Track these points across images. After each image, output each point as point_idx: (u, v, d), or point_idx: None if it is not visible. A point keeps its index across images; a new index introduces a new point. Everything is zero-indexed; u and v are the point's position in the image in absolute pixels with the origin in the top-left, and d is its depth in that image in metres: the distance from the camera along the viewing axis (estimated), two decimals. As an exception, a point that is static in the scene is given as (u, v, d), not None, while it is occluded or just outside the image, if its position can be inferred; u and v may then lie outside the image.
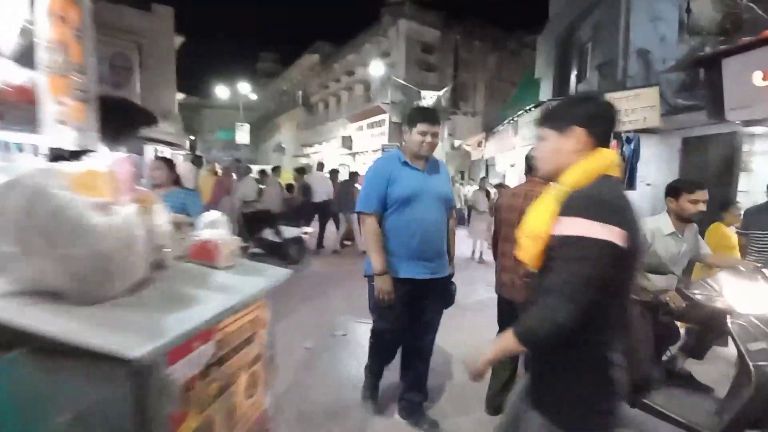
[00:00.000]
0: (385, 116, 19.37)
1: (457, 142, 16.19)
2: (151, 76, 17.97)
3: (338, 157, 23.81)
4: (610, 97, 5.85)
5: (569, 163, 1.08)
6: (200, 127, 43.73)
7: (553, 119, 1.15)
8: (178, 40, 19.88)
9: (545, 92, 9.98)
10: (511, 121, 8.05)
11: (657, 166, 6.85)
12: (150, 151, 17.06)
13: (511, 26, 22.29)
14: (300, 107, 30.80)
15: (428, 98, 14.40)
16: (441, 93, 13.68)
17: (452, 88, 15.68)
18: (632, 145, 5.77)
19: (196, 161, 7.06)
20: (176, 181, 2.78)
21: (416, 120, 2.10)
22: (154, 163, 2.79)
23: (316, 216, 7.19)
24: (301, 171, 7.26)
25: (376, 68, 17.58)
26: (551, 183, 1.99)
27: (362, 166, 22.42)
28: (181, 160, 16.36)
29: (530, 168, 2.40)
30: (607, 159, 1.08)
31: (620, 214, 0.99)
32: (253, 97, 27.16)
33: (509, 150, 8.81)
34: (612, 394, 1.06)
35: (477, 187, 8.00)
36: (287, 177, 8.68)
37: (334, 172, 8.50)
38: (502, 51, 22.86)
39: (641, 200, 6.60)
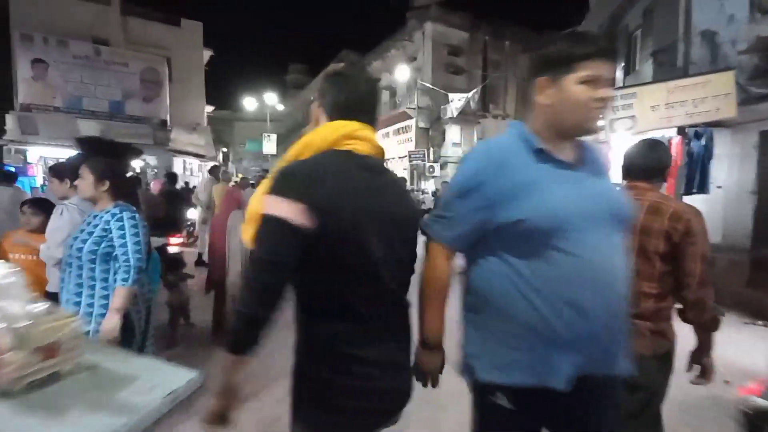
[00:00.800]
0: (412, 122, 18.82)
1: (487, 147, 15.38)
2: (180, 89, 18.30)
3: (364, 165, 23.46)
4: (675, 85, 5.02)
5: None
6: (232, 140, 45.24)
7: None
8: (207, 53, 20.25)
9: (586, 88, 9.09)
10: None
11: (728, 165, 5.89)
12: (179, 163, 17.32)
13: (541, 25, 21.26)
14: (326, 116, 30.82)
15: (456, 101, 13.70)
16: (470, 95, 12.96)
17: (481, 91, 14.90)
18: (703, 141, 4.89)
19: (214, 172, 6.69)
20: (117, 194, 1.85)
21: (576, 56, 0.98)
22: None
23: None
24: (172, 178, 6.47)
25: (402, 73, 17.09)
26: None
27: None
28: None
29: (629, 171, 1.65)
30: (335, 131, 0.95)
31: (310, 187, 0.86)
32: (280, 107, 27.36)
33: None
34: (349, 391, 0.93)
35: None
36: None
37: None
38: (533, 52, 21.88)
39: (710, 206, 5.60)
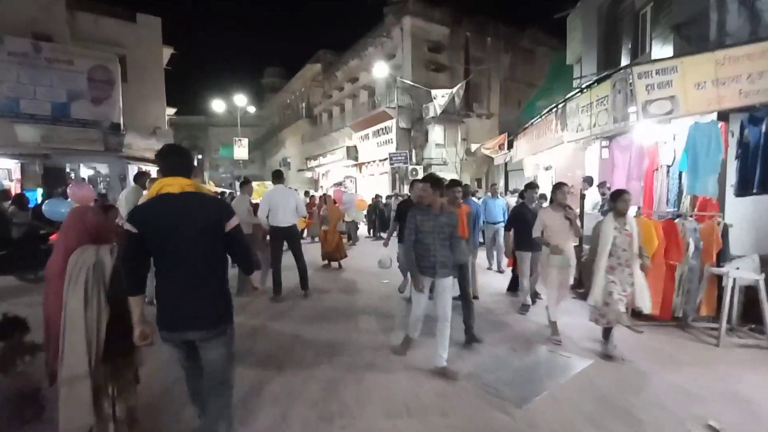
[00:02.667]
0: (392, 122, 17.63)
1: (474, 146, 14.25)
2: (136, 89, 16.61)
3: (343, 169, 22.11)
4: (725, 55, 3.72)
5: None
6: (207, 146, 43.37)
7: None
8: (168, 51, 18.62)
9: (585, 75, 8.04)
10: (555, 111, 6.13)
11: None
12: (133, 171, 15.61)
13: (525, 19, 20.49)
14: (303, 119, 29.42)
15: (439, 98, 12.57)
16: (454, 90, 11.82)
17: (465, 89, 13.75)
18: (763, 126, 3.77)
19: (139, 179, 5.27)
20: None
21: None
22: None
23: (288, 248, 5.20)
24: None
25: (381, 70, 15.89)
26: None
27: (369, 177, 20.73)
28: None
29: None
30: (156, 186, 1.93)
31: (138, 216, 1.84)
32: (252, 109, 25.82)
33: (553, 147, 6.80)
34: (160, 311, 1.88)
35: (534, 201, 4.83)
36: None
37: (455, 184, 3.98)
38: (515, 50, 21.12)
39: (756, 208, 4.42)
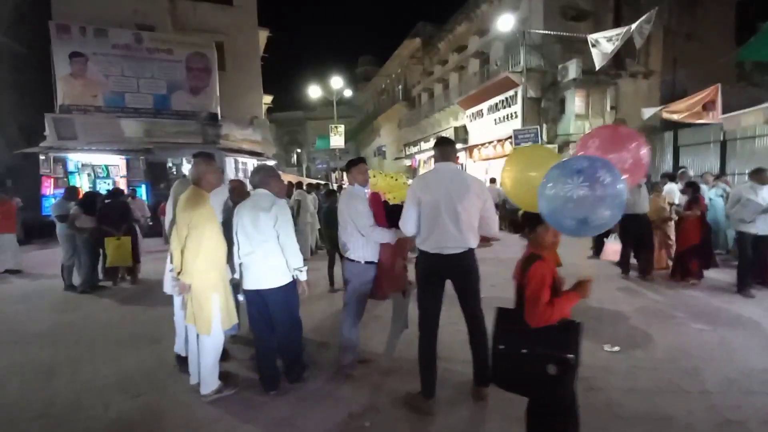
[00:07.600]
0: (517, 91, 14.04)
1: (647, 112, 10.05)
2: (233, 78, 15.52)
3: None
4: None
5: None
6: (305, 140, 44.08)
7: None
8: (264, 35, 17.44)
9: None
10: None
11: None
12: (230, 162, 14.70)
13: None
14: (400, 103, 27.00)
15: (603, 43, 8.81)
16: (634, 26, 7.87)
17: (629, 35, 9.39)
18: None
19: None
20: None
21: None
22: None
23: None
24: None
25: (505, 23, 12.44)
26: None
27: (482, 163, 17.37)
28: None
29: None
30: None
31: None
32: (348, 93, 24.12)
33: None
34: None
35: None
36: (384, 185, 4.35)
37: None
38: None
39: None
